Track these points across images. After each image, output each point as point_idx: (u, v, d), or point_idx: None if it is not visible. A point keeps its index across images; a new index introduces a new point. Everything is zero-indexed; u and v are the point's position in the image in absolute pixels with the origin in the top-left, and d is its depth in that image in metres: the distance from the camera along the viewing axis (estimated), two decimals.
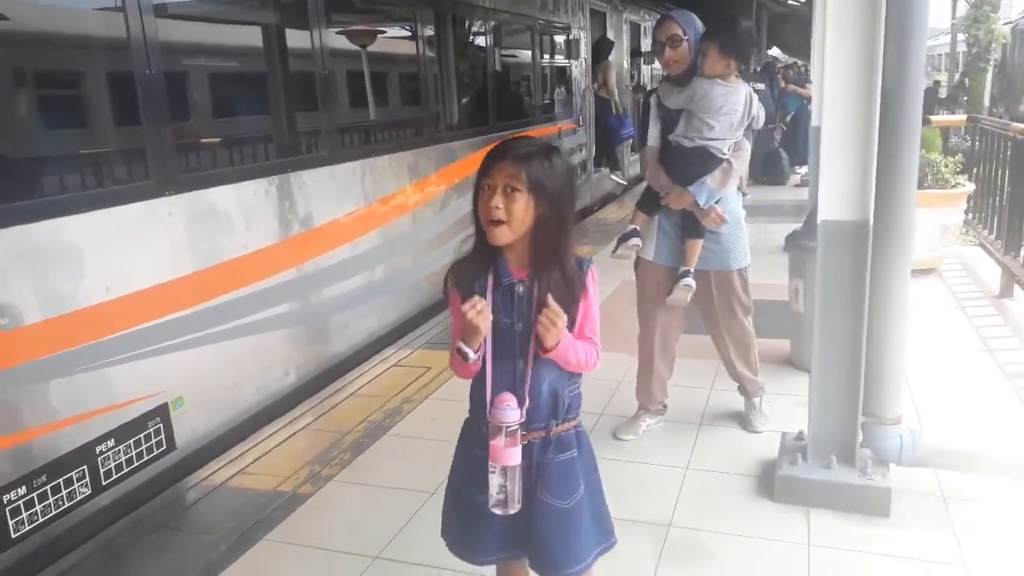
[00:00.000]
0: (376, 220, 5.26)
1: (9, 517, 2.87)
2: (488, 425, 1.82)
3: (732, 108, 3.26)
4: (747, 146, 3.39)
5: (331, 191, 4.77)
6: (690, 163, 3.32)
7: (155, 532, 3.11)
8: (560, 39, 9.74)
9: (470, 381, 1.93)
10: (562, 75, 9.93)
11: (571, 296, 1.82)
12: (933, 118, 9.20)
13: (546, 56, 9.48)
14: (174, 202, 3.56)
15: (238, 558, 2.86)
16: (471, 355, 1.79)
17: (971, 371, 4.24)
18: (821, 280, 2.97)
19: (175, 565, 2.88)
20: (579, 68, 10.20)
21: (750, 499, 3.08)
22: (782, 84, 11.70)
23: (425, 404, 4.16)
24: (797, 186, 10.68)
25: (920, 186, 5.81)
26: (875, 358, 3.00)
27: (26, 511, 2.93)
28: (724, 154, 3.32)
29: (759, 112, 3.38)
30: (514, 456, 1.80)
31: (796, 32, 22.45)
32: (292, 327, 4.41)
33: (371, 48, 5.71)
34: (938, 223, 5.97)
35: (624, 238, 3.55)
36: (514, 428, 1.79)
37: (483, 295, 1.80)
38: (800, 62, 21.25)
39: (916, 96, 2.90)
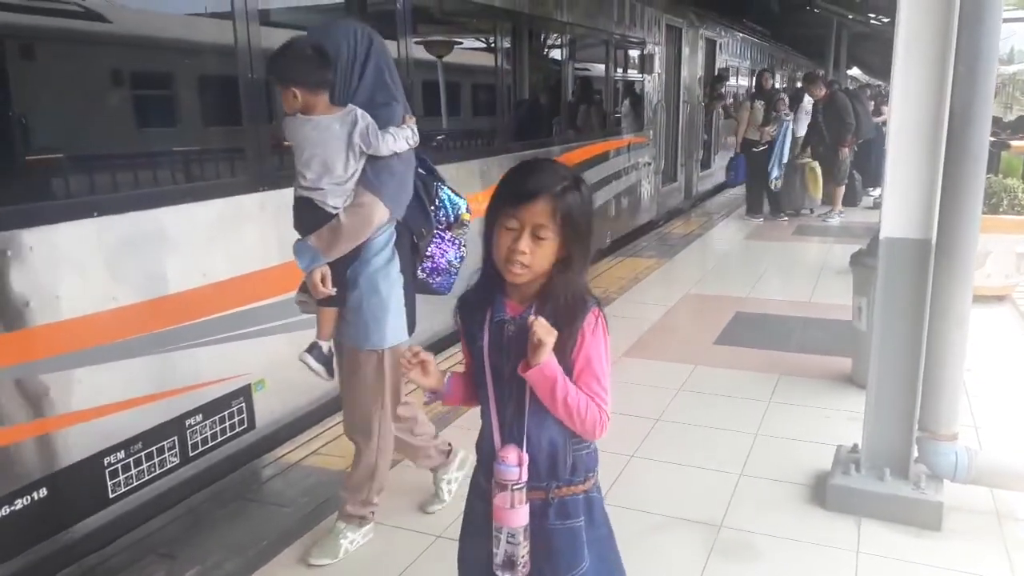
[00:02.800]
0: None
1: (108, 479, 3.15)
2: (488, 482, 1.69)
3: (323, 150, 2.58)
4: (366, 201, 2.61)
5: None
6: (300, 219, 2.70)
7: (234, 502, 3.35)
8: (635, 54, 9.85)
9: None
10: (636, 89, 10.04)
11: (564, 341, 1.61)
12: (1015, 143, 9.01)
13: (620, 70, 9.61)
14: None
15: (310, 530, 3.07)
16: (427, 399, 1.81)
17: None
18: (881, 295, 3.03)
19: (252, 532, 3.10)
20: (652, 83, 10.29)
21: (802, 506, 3.15)
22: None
23: None
24: (869, 208, 10.55)
25: (995, 211, 5.81)
26: (933, 375, 3.04)
27: (123, 474, 3.20)
28: (333, 208, 2.61)
29: (383, 138, 2.60)
30: (519, 517, 1.64)
31: (877, 52, 22.04)
32: None
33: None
34: (1013, 250, 5.88)
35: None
36: (519, 486, 1.64)
37: (480, 332, 1.68)
38: (881, 83, 20.85)
39: (984, 118, 2.94)
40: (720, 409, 4.12)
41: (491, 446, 1.70)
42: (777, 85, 10.52)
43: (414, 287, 2.86)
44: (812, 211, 10.47)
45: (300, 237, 2.69)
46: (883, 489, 3.02)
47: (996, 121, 14.18)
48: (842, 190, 10.31)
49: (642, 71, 10.03)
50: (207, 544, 3.01)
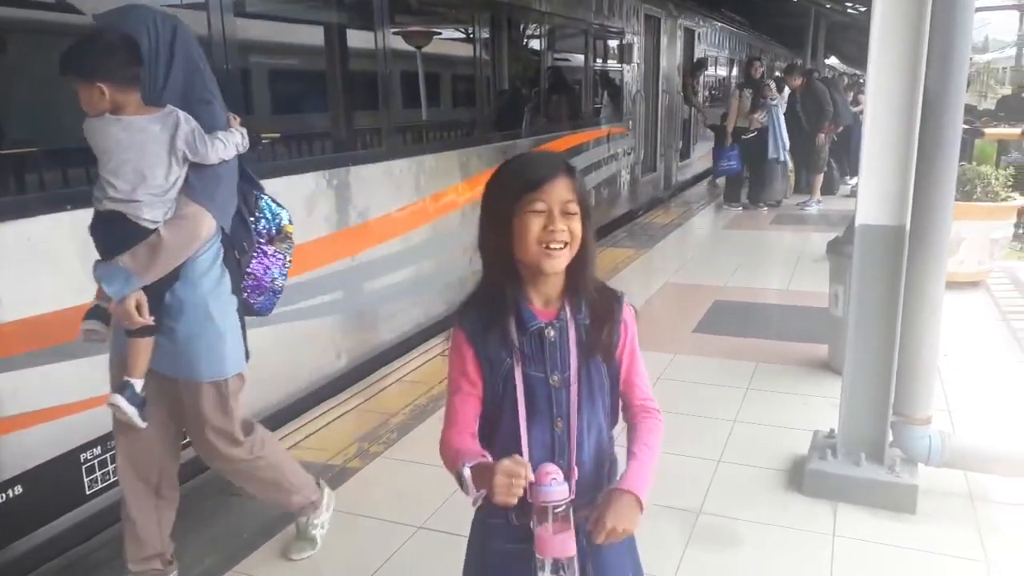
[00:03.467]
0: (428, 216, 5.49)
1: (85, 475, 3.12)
2: (515, 511, 1.50)
3: (137, 155, 2.25)
4: (191, 212, 2.32)
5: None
6: (107, 237, 2.33)
7: (214, 497, 3.33)
8: (614, 44, 9.86)
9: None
10: (615, 79, 10.04)
11: (610, 337, 1.57)
12: (988, 131, 9.13)
13: (599, 60, 9.62)
14: None
15: (291, 523, 3.05)
16: (473, 494, 1.45)
17: (1009, 380, 4.28)
18: (857, 282, 3.07)
19: (233, 526, 3.09)
20: (631, 73, 10.30)
21: (779, 491, 3.19)
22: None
23: None
24: (847, 196, 10.64)
25: (969, 198, 5.88)
26: (907, 360, 3.08)
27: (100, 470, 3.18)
28: (150, 222, 2.28)
29: (213, 143, 2.33)
30: (569, 544, 1.45)
31: (854, 41, 22.20)
32: None
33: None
34: (987, 236, 5.96)
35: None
36: (564, 508, 1.44)
37: (508, 346, 1.53)
38: (859, 72, 21.01)
39: (957, 105, 2.97)
40: (699, 397, 4.16)
41: None
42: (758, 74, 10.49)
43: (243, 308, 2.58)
44: (779, 202, 10.53)
45: (104, 258, 2.31)
46: (859, 473, 3.06)
47: (970, 109, 14.34)
48: (820, 178, 10.41)
49: (621, 61, 10.04)
50: (187, 539, 2.99)
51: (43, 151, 3.38)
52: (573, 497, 1.48)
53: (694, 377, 4.44)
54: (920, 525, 2.91)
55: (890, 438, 3.12)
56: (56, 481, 3.01)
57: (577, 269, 1.54)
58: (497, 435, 1.58)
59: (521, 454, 1.49)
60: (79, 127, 2.28)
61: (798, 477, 3.21)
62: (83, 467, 3.11)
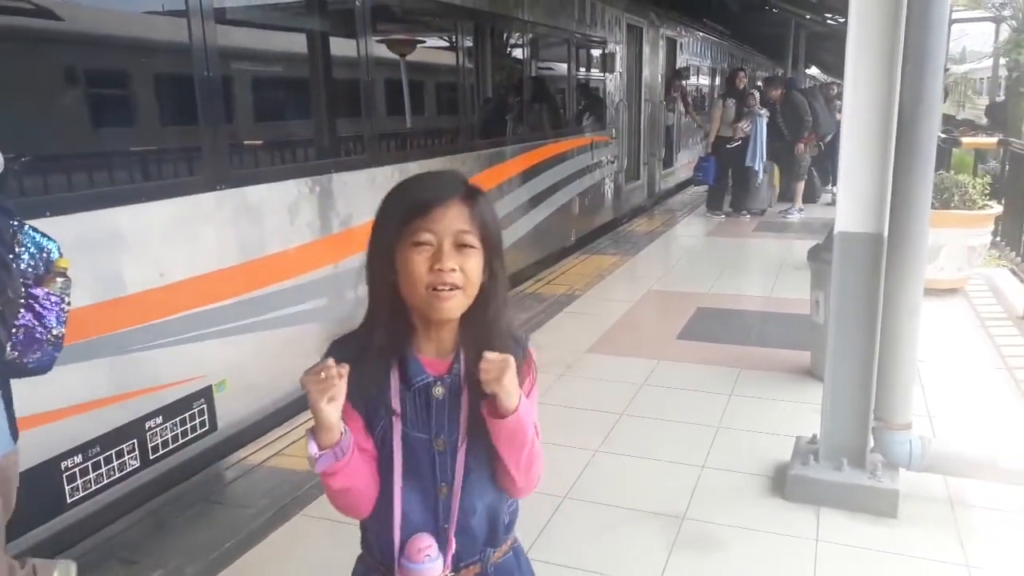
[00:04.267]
0: None
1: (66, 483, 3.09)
2: None
3: None
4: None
5: None
6: None
7: (196, 504, 3.31)
8: (597, 53, 9.91)
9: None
10: (598, 88, 10.10)
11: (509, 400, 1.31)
12: (965, 140, 9.25)
13: (582, 69, 9.66)
14: None
15: (275, 530, 3.05)
16: (315, 454, 1.26)
17: (987, 386, 4.33)
18: (836, 289, 3.10)
19: (216, 534, 3.07)
20: (614, 82, 10.36)
21: (762, 497, 3.21)
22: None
23: None
24: (828, 204, 10.74)
25: (947, 206, 5.96)
26: (887, 366, 3.11)
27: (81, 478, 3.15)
28: None
29: None
30: None
31: (834, 51, 22.43)
32: None
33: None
34: (964, 244, 6.04)
35: None
36: None
37: (387, 403, 1.32)
38: (839, 81, 21.21)
39: (933, 115, 3.02)
40: (683, 403, 4.18)
41: (386, 532, 1.35)
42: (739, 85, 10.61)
43: (6, 371, 2.17)
44: (764, 211, 10.65)
45: None
46: (841, 478, 3.09)
47: (948, 119, 14.53)
48: (802, 186, 10.55)
49: (604, 70, 10.09)
50: (169, 547, 2.98)
51: None
52: (448, 572, 1.35)
53: (677, 383, 4.46)
54: (901, 529, 2.94)
55: (871, 443, 3.16)
56: None
57: (474, 317, 1.30)
58: (376, 505, 1.38)
59: (392, 519, 1.33)
60: None
61: (781, 482, 3.23)
62: None
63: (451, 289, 1.24)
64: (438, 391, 1.33)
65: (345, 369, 1.22)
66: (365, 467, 1.34)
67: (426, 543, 1.33)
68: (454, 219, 1.25)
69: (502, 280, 1.32)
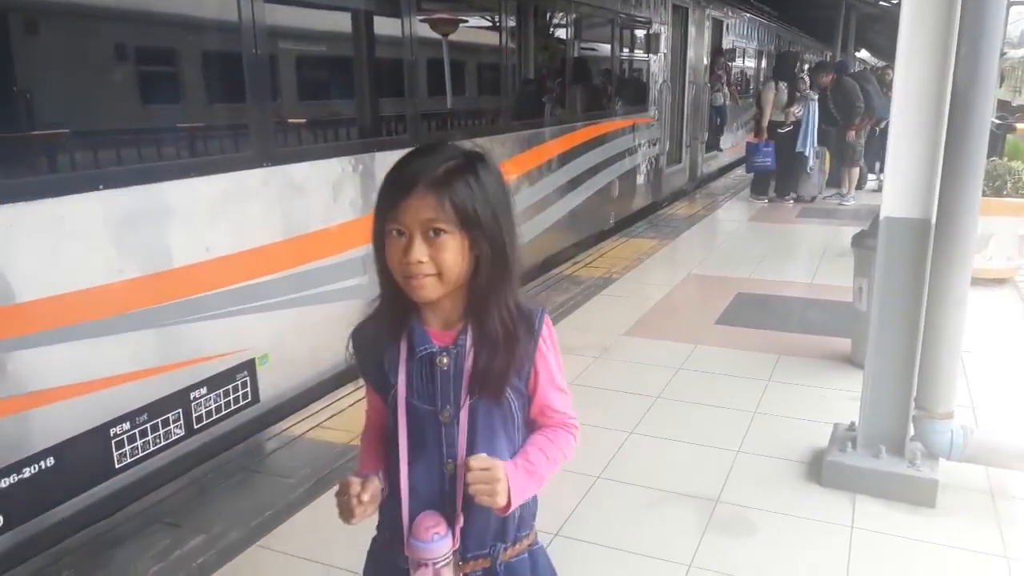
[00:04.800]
0: None
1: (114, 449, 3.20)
2: (400, 556, 1.37)
3: None
4: None
5: None
6: None
7: (238, 473, 3.40)
8: (641, 33, 9.80)
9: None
10: (642, 69, 10.00)
11: (515, 363, 1.33)
12: (1021, 126, 8.98)
13: (626, 50, 9.57)
14: None
15: (314, 500, 3.12)
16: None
17: None
18: (880, 275, 3.05)
19: (257, 502, 3.15)
20: (658, 63, 10.25)
21: (798, 482, 3.19)
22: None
23: None
24: (874, 191, 10.53)
25: (999, 194, 5.81)
26: (930, 354, 3.06)
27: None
28: None
29: None
30: None
31: (884, 33, 21.88)
32: None
33: None
34: (1015, 233, 5.89)
35: None
36: (444, 561, 1.33)
37: (395, 371, 1.35)
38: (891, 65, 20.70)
39: (986, 99, 2.94)
40: (719, 388, 4.16)
41: (395, 511, 1.38)
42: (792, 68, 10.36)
43: None
44: (814, 198, 10.41)
45: None
46: (879, 466, 3.06)
47: (1004, 105, 14.09)
48: (856, 172, 10.32)
49: (648, 51, 9.98)
50: (212, 514, 3.07)
51: None
52: (456, 547, 1.35)
53: (715, 368, 4.44)
54: (939, 519, 2.90)
55: (911, 432, 3.12)
56: None
57: (475, 292, 1.31)
58: (389, 473, 1.41)
59: (400, 495, 1.36)
60: None
61: (817, 469, 3.21)
62: None
63: (423, 278, 1.26)
64: (443, 360, 1.33)
65: (367, 493, 1.31)
66: (381, 448, 1.45)
67: (434, 521, 1.33)
68: (422, 209, 1.24)
69: (499, 253, 1.29)
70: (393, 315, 1.35)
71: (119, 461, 3.22)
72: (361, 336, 1.39)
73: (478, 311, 1.32)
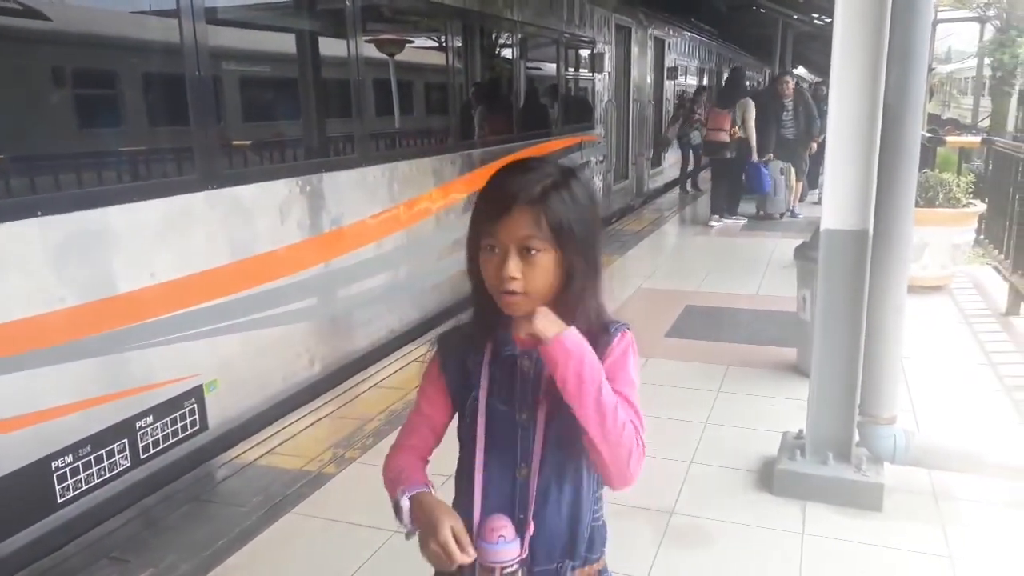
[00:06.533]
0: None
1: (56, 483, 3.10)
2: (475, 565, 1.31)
3: None
4: None
5: None
6: None
7: (188, 503, 3.32)
8: (585, 53, 9.95)
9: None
10: (587, 88, 10.13)
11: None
12: (950, 139, 9.33)
13: (571, 69, 9.69)
14: None
15: (267, 528, 3.06)
16: (408, 528, 1.33)
17: (971, 382, 4.39)
18: (822, 286, 3.14)
19: (208, 532, 3.08)
20: (602, 82, 10.41)
21: (750, 491, 3.25)
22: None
23: None
24: (815, 203, 10.80)
25: (932, 205, 6.02)
26: (872, 362, 3.15)
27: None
28: None
29: None
30: None
31: (821, 51, 22.54)
32: None
33: None
34: (948, 241, 6.10)
35: None
36: (513, 568, 1.30)
37: (478, 373, 1.38)
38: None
39: (916, 114, 3.07)
40: (671, 399, 4.21)
41: (466, 512, 1.35)
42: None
43: None
44: (783, 215, 10.32)
45: None
46: (827, 472, 3.13)
47: (934, 118, 14.63)
48: (800, 185, 10.50)
49: (592, 70, 10.13)
50: (162, 546, 2.98)
51: None
52: (525, 556, 1.32)
53: (666, 380, 4.49)
54: (886, 522, 2.98)
55: (857, 438, 3.20)
56: None
57: (562, 303, 1.31)
58: (457, 475, 1.43)
59: (473, 498, 1.35)
60: None
61: (768, 477, 3.27)
62: None
63: (513, 295, 1.28)
64: (525, 363, 1.36)
65: (458, 523, 1.27)
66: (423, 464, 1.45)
67: (501, 523, 1.31)
68: (519, 226, 1.26)
69: (587, 271, 1.32)
70: (484, 322, 1.38)
71: (62, 495, 3.12)
72: (448, 340, 1.44)
73: (565, 318, 1.31)
